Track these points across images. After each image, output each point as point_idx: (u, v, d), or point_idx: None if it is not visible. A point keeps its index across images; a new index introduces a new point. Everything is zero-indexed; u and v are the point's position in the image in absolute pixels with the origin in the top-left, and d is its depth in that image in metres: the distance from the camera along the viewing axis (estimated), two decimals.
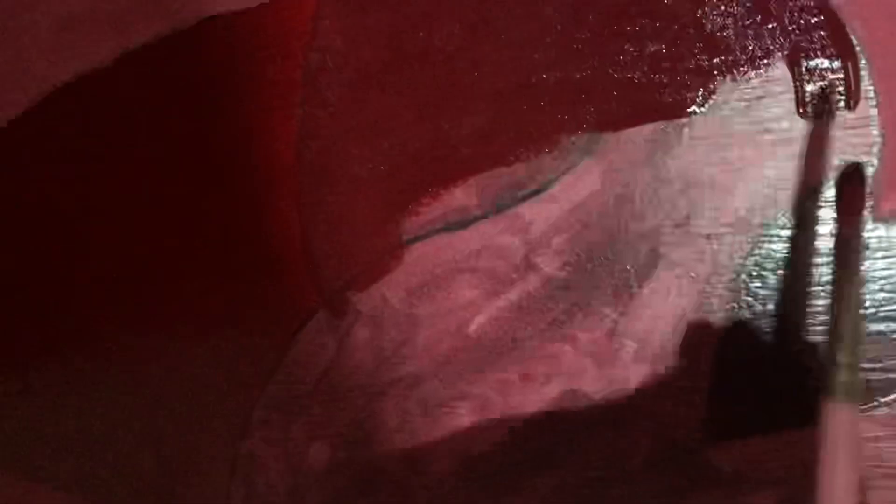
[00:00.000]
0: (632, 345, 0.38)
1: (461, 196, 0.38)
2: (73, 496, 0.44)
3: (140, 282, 0.41)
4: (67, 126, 0.39)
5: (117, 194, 0.40)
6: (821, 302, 0.35)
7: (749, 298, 0.37)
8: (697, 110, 0.35)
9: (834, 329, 0.30)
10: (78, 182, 0.40)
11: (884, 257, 0.35)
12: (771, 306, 0.37)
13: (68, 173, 0.40)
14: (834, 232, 0.34)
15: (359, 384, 0.42)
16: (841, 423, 0.29)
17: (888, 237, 0.35)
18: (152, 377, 0.43)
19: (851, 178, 0.34)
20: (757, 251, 0.36)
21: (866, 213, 0.34)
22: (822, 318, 0.35)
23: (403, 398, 0.42)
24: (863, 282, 0.34)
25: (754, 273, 0.37)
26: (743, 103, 0.35)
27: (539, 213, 0.38)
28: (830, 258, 0.34)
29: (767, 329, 0.37)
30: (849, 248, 0.33)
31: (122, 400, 0.43)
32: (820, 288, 0.35)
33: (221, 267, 0.41)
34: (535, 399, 0.40)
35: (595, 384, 0.39)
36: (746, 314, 0.37)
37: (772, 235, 0.36)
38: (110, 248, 0.41)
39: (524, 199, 0.38)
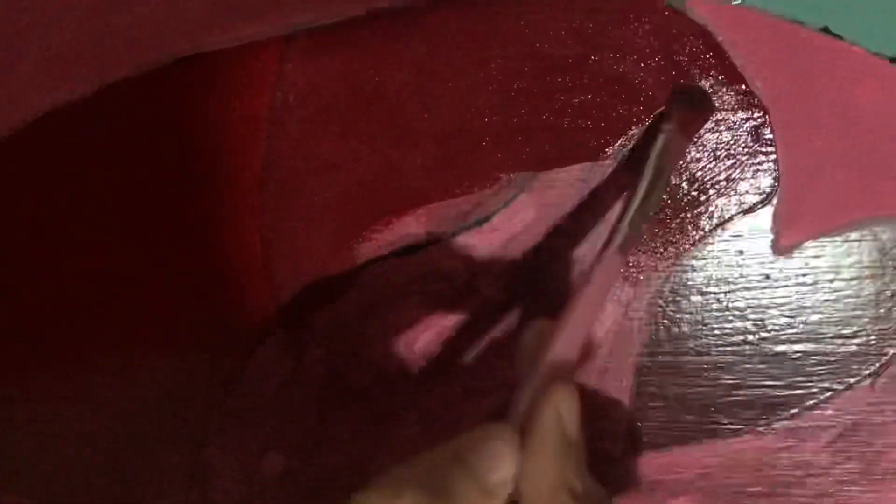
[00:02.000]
0: None
1: (411, 224, 0.41)
2: None
3: (102, 296, 0.43)
4: (48, 151, 0.41)
5: (87, 213, 0.42)
6: None
7: (665, 321, 0.41)
8: (619, 152, 0.39)
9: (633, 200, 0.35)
10: (52, 202, 0.42)
11: (783, 286, 0.39)
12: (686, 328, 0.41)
13: (43, 193, 0.42)
14: (662, 136, 0.35)
15: (313, 396, 0.45)
16: (611, 267, 0.34)
17: (785, 269, 0.39)
18: (111, 388, 0.44)
19: (694, 101, 0.37)
20: (673, 278, 0.40)
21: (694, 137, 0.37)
22: None
23: (354, 409, 0.44)
24: (667, 176, 0.36)
25: (671, 298, 0.40)
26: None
27: (481, 241, 0.41)
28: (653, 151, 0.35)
29: None
30: (668, 152, 0.35)
31: (80, 412, 0.44)
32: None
33: (185, 286, 0.43)
34: (476, 411, 0.43)
35: None
36: (664, 335, 0.41)
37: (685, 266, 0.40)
38: (73, 264, 0.42)
39: (468, 228, 0.41)
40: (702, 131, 0.37)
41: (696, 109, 0.37)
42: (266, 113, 0.40)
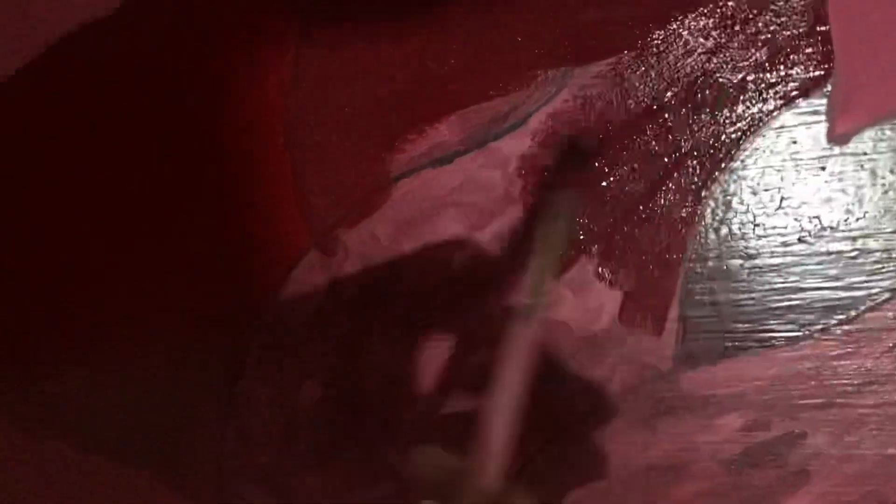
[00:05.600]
0: (608, 274, 0.40)
1: (445, 132, 0.40)
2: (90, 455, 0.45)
3: (135, 225, 0.43)
4: (71, 76, 0.41)
5: (117, 139, 0.41)
6: None
7: (714, 223, 0.39)
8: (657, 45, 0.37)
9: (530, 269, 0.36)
10: (77, 130, 0.41)
11: (839, 179, 0.37)
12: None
13: (70, 121, 0.41)
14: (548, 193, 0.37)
15: (348, 319, 0.43)
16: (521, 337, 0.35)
17: (841, 159, 0.37)
18: (149, 322, 0.44)
19: (570, 155, 0.37)
20: (721, 176, 0.38)
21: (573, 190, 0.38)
22: None
23: (391, 332, 0.43)
24: (557, 241, 0.37)
25: (720, 199, 0.38)
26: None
27: (518, 146, 0.39)
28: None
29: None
30: (553, 212, 0.36)
31: (114, 353, 0.44)
32: None
33: (216, 211, 0.42)
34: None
35: (572, 313, 0.41)
36: (713, 239, 0.39)
37: (734, 162, 0.38)
38: (109, 191, 0.42)
39: (504, 133, 0.39)
40: (750, 13, 0.35)
41: (579, 162, 0.37)
42: (296, 19, 0.39)
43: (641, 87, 0.38)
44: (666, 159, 0.38)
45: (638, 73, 0.37)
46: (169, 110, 0.41)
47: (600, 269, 0.40)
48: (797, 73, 0.36)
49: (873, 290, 0.38)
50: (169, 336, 0.44)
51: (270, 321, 0.44)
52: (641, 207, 0.39)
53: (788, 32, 0.36)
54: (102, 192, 0.42)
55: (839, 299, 0.38)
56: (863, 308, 0.38)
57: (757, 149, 0.37)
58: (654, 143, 0.38)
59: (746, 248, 0.38)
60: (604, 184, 0.39)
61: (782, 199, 0.38)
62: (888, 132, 0.36)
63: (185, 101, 0.41)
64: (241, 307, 0.44)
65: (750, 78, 0.37)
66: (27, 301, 0.44)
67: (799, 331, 0.39)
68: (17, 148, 0.42)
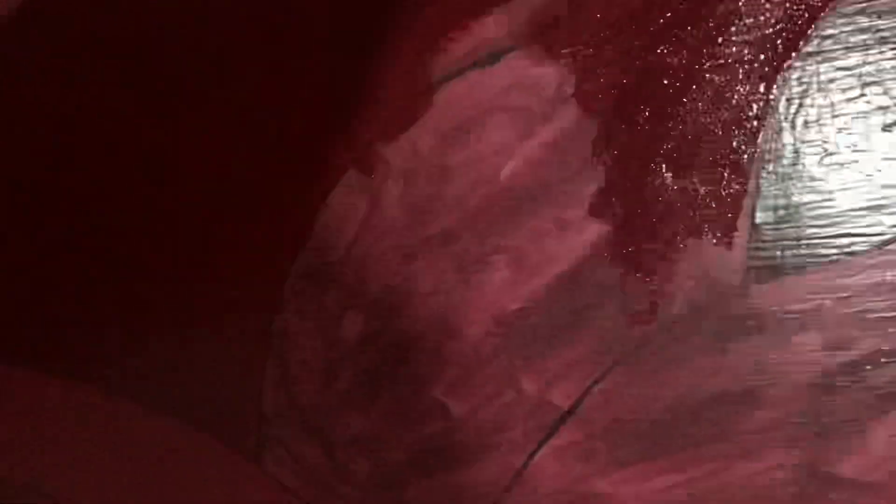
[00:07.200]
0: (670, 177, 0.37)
1: (491, 27, 0.37)
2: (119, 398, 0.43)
3: (172, 152, 0.41)
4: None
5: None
6: None
7: (790, 112, 0.35)
8: None
9: None
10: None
11: None
12: None
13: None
14: None
15: (391, 246, 0.41)
16: None
17: None
18: (179, 257, 0.42)
19: None
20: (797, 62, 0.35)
21: None
22: None
23: (436, 258, 0.41)
24: None
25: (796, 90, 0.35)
26: None
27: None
28: None
29: None
30: None
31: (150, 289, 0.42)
32: None
33: (249, 132, 0.40)
34: (572, 247, 0.39)
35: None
36: (787, 134, 0.36)
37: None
38: (150, 128, 0.40)
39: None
40: None
41: None
42: None
43: None
44: (734, 45, 0.35)
45: None
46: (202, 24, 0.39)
47: (664, 170, 0.37)
48: None
49: None
50: (202, 270, 0.42)
51: (308, 248, 0.42)
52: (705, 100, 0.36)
53: None
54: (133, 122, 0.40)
55: None
56: None
57: (835, 28, 0.34)
58: (720, 27, 0.35)
59: (825, 141, 0.35)
60: (666, 80, 0.36)
61: (863, 84, 0.34)
62: None
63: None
64: (275, 234, 0.42)
65: None
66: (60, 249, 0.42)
67: (886, 233, 0.35)
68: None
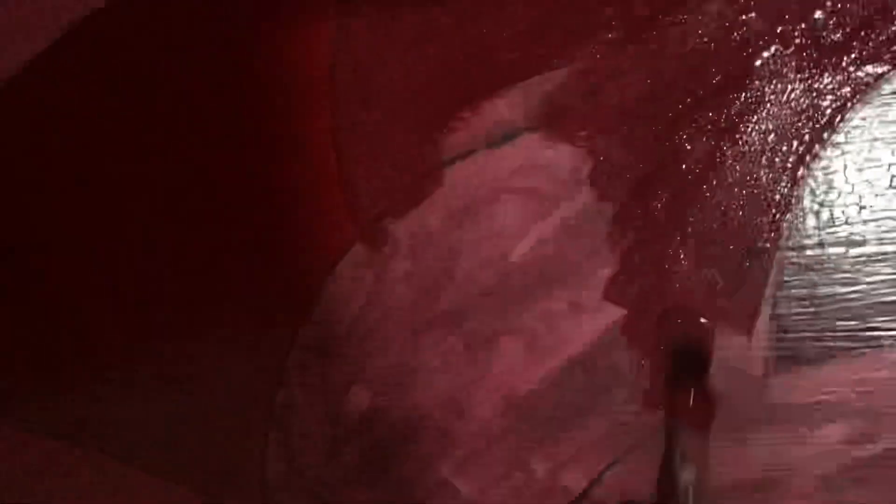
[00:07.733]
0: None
1: (503, 108, 0.36)
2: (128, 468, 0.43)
3: (171, 223, 0.40)
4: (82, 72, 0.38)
5: (159, 129, 0.39)
6: None
7: (814, 205, 0.34)
8: None
9: None
10: (117, 121, 0.39)
11: None
12: None
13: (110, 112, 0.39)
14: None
15: (398, 321, 0.40)
16: None
17: None
18: (184, 328, 0.41)
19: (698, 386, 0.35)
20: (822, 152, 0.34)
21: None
22: None
23: (445, 335, 0.40)
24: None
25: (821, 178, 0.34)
26: None
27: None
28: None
29: None
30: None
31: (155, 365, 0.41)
32: None
33: (255, 200, 0.40)
34: (586, 330, 0.38)
35: None
36: (812, 224, 0.34)
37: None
38: (150, 184, 0.39)
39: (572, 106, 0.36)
40: None
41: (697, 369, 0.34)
42: None
43: None
44: (757, 133, 0.34)
45: None
46: (210, 96, 0.39)
47: (682, 256, 0.36)
48: None
49: None
50: (207, 343, 0.41)
51: (313, 321, 0.41)
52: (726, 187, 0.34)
53: None
54: (127, 184, 0.40)
55: None
56: None
57: (864, 119, 0.33)
58: (743, 114, 0.34)
59: (851, 233, 0.34)
60: (685, 165, 0.35)
61: (893, 176, 0.33)
62: None
63: (226, 85, 0.38)
64: (281, 307, 0.41)
65: (855, 35, 0.32)
66: (63, 305, 0.41)
67: None
68: (69, 140, 0.39)
